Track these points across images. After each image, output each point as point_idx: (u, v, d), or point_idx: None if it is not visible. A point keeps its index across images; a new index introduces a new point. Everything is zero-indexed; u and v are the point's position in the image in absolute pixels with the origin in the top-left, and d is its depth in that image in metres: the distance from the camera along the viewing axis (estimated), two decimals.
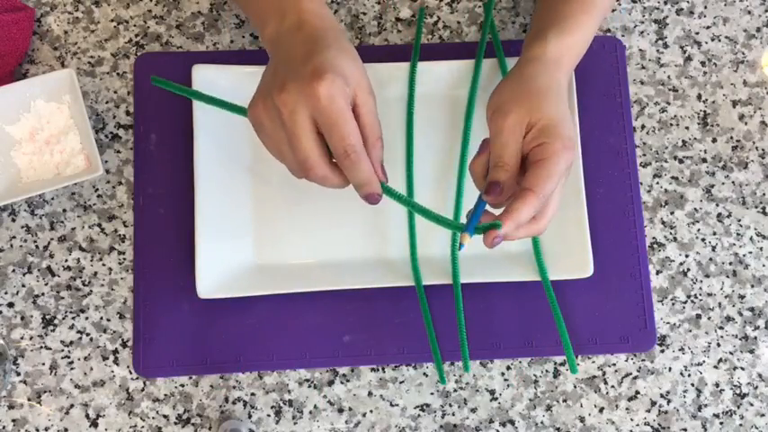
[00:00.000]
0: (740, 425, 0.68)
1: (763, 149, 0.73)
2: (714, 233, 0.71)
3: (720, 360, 0.69)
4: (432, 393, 0.68)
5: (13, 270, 0.69)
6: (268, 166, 0.70)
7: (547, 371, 0.69)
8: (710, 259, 0.71)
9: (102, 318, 0.68)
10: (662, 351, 0.69)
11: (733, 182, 0.72)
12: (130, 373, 0.68)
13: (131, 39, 0.73)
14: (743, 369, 0.69)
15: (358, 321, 0.68)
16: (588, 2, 0.64)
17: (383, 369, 0.68)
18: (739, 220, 0.72)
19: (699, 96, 0.74)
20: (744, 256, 0.71)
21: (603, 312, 0.69)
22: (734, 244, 0.71)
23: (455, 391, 0.68)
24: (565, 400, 0.68)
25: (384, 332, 0.68)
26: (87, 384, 0.67)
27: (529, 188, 0.55)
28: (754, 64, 0.75)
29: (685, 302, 0.70)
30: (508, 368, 0.69)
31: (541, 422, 0.68)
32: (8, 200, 0.67)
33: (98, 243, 0.70)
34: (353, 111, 0.55)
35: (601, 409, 0.68)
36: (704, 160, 0.73)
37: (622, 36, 0.75)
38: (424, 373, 0.68)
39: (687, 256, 0.71)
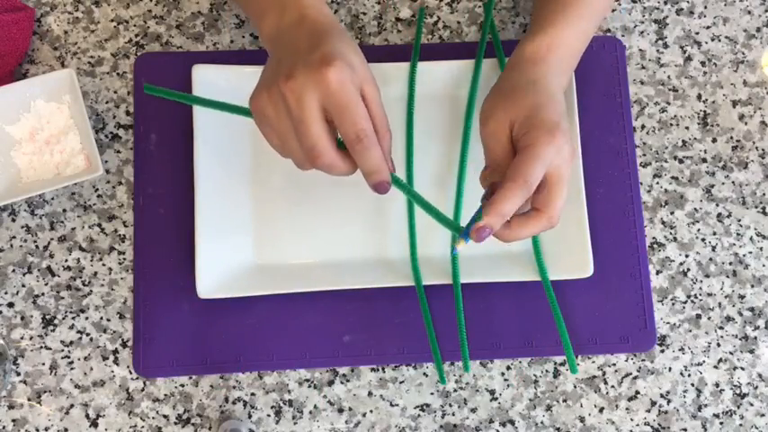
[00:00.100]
0: (740, 425, 0.68)
1: (763, 149, 0.73)
2: (714, 233, 0.71)
3: (720, 360, 0.69)
4: (432, 393, 0.68)
5: (13, 270, 0.69)
6: (268, 166, 0.70)
7: (547, 371, 0.69)
8: (710, 259, 0.71)
9: (102, 318, 0.68)
10: (662, 351, 0.69)
11: (733, 182, 0.72)
12: (130, 373, 0.68)
13: (131, 39, 0.73)
14: (743, 369, 0.69)
15: (358, 321, 0.68)
16: (569, 2, 0.64)
17: (383, 369, 0.68)
18: (739, 220, 0.72)
19: (699, 96, 0.74)
20: (744, 256, 0.71)
21: (603, 312, 0.69)
22: (734, 244, 0.71)
23: (455, 391, 0.68)
24: (565, 400, 0.68)
25: (384, 332, 0.68)
26: (87, 384, 0.67)
27: (508, 177, 0.55)
28: (754, 64, 0.75)
29: (685, 302, 0.70)
30: (508, 368, 0.69)
31: (541, 422, 0.68)
32: (8, 200, 0.67)
33: (98, 243, 0.70)
34: None
35: (601, 409, 0.68)
36: (704, 160, 0.73)
37: (622, 36, 0.75)
38: (424, 373, 0.68)
39: (687, 256, 0.71)
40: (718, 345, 0.69)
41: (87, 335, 0.68)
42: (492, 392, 0.68)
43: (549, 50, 0.62)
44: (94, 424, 0.67)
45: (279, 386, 0.68)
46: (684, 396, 0.69)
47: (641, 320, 0.69)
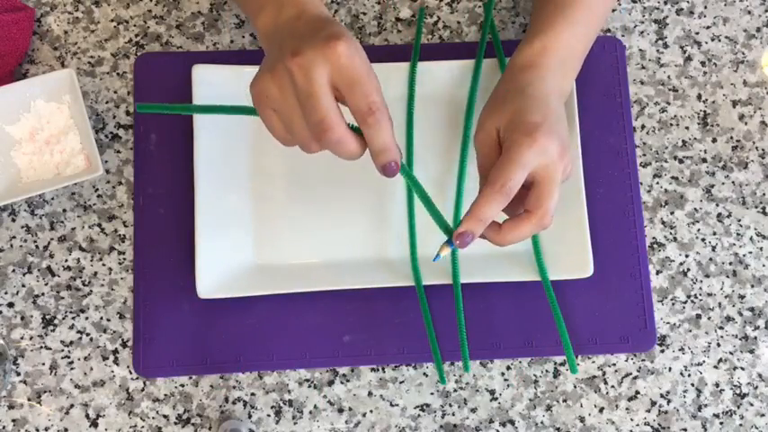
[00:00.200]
0: (740, 425, 0.68)
1: (763, 149, 0.73)
2: (714, 233, 0.71)
3: (720, 360, 0.69)
4: (432, 393, 0.68)
5: (13, 270, 0.69)
6: (268, 166, 0.70)
7: (547, 371, 0.69)
8: (710, 259, 0.71)
9: (102, 318, 0.68)
10: (662, 351, 0.69)
11: (733, 182, 0.72)
12: (130, 373, 0.68)
13: (131, 39, 0.73)
14: (743, 369, 0.69)
15: (358, 321, 0.68)
16: (566, 4, 0.64)
17: (383, 369, 0.68)
18: (739, 220, 0.72)
19: (699, 96, 0.74)
20: (744, 256, 0.71)
21: (603, 312, 0.69)
22: (734, 244, 0.71)
23: (455, 391, 0.68)
24: (565, 400, 0.68)
25: (384, 332, 0.68)
26: (87, 384, 0.67)
27: (487, 182, 0.56)
28: (754, 64, 0.75)
29: (685, 302, 0.70)
30: (508, 368, 0.69)
31: (541, 422, 0.68)
32: (8, 200, 0.67)
33: (98, 243, 0.70)
34: None
35: (601, 409, 0.68)
36: (704, 160, 0.73)
37: (622, 36, 0.75)
38: (424, 373, 0.68)
39: (687, 256, 0.71)
40: (718, 345, 0.69)
41: (87, 335, 0.68)
42: (492, 392, 0.68)
43: (545, 53, 0.62)
44: (94, 424, 0.67)
45: (279, 386, 0.68)
46: (684, 396, 0.69)
47: (641, 320, 0.69)
